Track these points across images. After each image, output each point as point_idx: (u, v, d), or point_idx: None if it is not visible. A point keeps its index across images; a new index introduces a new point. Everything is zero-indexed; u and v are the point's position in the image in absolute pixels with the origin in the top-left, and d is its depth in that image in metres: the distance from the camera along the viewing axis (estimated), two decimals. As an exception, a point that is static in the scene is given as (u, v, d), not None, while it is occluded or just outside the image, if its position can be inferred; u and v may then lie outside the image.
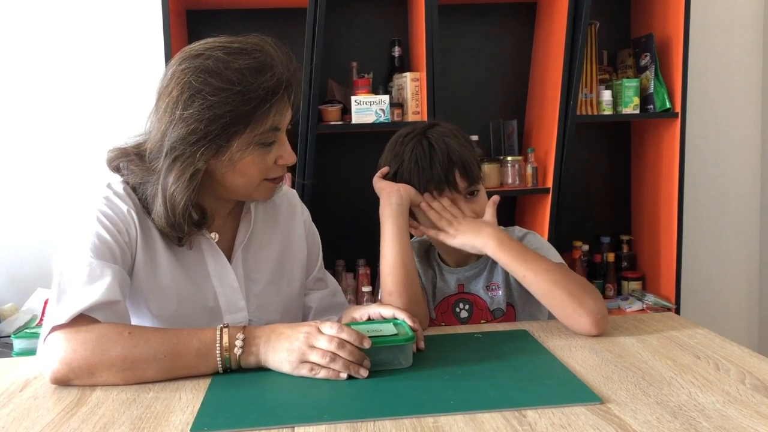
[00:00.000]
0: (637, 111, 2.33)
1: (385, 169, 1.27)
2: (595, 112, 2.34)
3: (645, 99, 2.35)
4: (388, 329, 0.99)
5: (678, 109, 2.29)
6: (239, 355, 0.95)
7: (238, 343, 0.95)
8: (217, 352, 0.94)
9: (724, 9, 2.58)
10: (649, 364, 0.95)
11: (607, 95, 2.32)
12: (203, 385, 0.92)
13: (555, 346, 1.04)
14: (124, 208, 1.06)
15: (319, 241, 1.33)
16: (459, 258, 1.31)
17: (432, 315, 1.31)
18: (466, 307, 1.31)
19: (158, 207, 1.04)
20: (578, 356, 0.99)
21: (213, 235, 1.14)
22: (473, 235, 1.18)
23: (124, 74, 2.36)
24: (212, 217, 1.11)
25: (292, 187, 2.18)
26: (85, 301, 0.95)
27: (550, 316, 1.29)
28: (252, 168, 1.06)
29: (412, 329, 1.00)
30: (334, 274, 2.36)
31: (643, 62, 2.38)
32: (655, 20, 2.39)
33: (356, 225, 2.41)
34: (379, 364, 0.94)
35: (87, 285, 0.98)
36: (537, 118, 2.43)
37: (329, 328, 0.94)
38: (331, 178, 2.44)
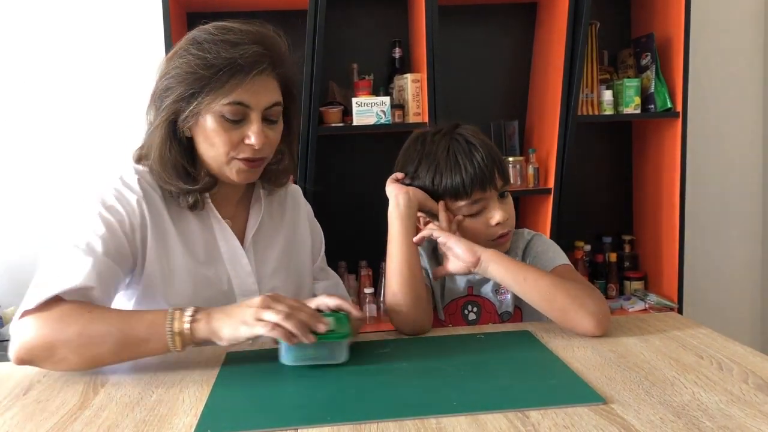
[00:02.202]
0: (638, 111, 2.33)
1: (400, 175, 1.27)
2: (596, 112, 2.34)
3: (646, 99, 2.35)
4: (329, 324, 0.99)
5: (679, 109, 2.29)
6: (189, 322, 0.96)
7: (188, 312, 0.97)
8: (168, 321, 0.96)
9: (724, 8, 2.58)
10: (652, 364, 0.95)
11: (608, 95, 2.32)
12: (206, 387, 0.92)
13: (557, 347, 1.04)
14: (133, 198, 1.10)
15: (322, 233, 1.37)
16: None
17: (441, 316, 1.31)
18: (475, 309, 1.30)
19: (153, 164, 1.11)
20: (581, 356, 0.99)
21: (227, 221, 1.19)
22: (470, 244, 1.17)
23: (125, 77, 2.36)
24: (220, 196, 1.18)
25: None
26: (56, 287, 0.98)
27: None
28: (216, 138, 1.09)
29: (351, 318, 1.02)
30: (336, 276, 2.38)
31: (643, 62, 2.38)
32: (656, 20, 2.39)
33: (358, 226, 2.41)
34: (312, 359, 0.96)
35: (63, 272, 1.01)
36: (538, 118, 2.43)
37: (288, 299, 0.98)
38: (332, 180, 2.44)
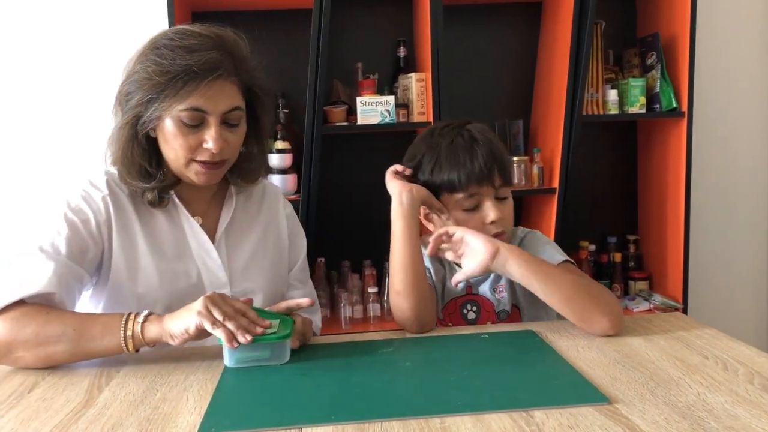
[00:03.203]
0: (644, 110, 2.32)
1: (399, 166, 1.27)
2: (601, 112, 2.33)
3: (651, 98, 2.34)
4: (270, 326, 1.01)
5: (684, 109, 2.28)
6: (141, 323, 1.00)
7: (141, 316, 1.01)
8: (122, 323, 1.00)
9: (730, 7, 2.57)
10: (657, 364, 0.95)
11: (613, 95, 2.31)
12: (210, 386, 0.92)
13: (562, 347, 1.04)
14: (98, 195, 1.15)
15: (304, 238, 1.38)
16: None
17: (439, 315, 1.30)
18: (474, 308, 1.30)
19: (119, 166, 1.15)
20: (585, 356, 0.99)
21: (197, 218, 1.21)
22: (488, 236, 1.15)
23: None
24: (190, 195, 1.21)
25: (298, 188, 2.19)
26: (17, 293, 1.02)
27: (559, 317, 1.28)
28: (175, 141, 1.11)
29: (297, 322, 1.04)
30: (340, 275, 2.38)
31: (649, 61, 2.37)
32: (661, 19, 2.38)
33: (362, 226, 2.40)
34: (254, 360, 0.98)
35: (24, 277, 1.04)
36: (543, 117, 2.42)
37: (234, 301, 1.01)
38: (336, 179, 2.44)
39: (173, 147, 1.12)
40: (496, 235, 1.21)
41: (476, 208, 1.23)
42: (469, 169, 1.20)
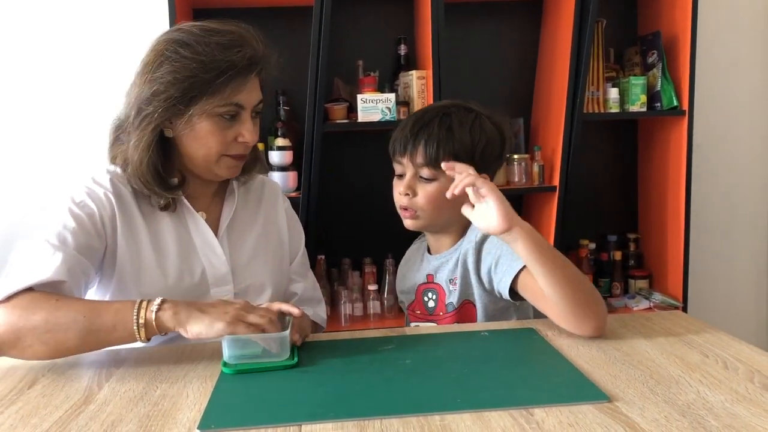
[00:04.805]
0: (644, 109, 2.32)
1: None
2: (602, 110, 2.33)
3: (652, 97, 2.34)
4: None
5: (685, 107, 2.27)
6: (154, 311, 0.97)
7: (156, 303, 0.98)
8: (134, 310, 0.97)
9: (731, 5, 2.56)
10: (657, 362, 0.95)
11: (613, 93, 2.31)
12: (210, 382, 0.92)
13: (562, 345, 1.04)
14: (101, 191, 1.15)
15: (302, 230, 1.40)
16: (439, 244, 1.35)
17: (411, 298, 1.40)
18: (434, 296, 1.34)
19: (130, 167, 1.14)
20: (585, 354, 0.99)
21: (201, 213, 1.22)
22: (511, 211, 1.05)
23: (130, 74, 2.36)
24: (194, 191, 1.21)
25: (298, 186, 2.19)
26: (27, 280, 1.00)
27: (536, 315, 1.28)
28: (210, 138, 1.12)
29: (295, 319, 1.05)
30: (340, 273, 2.38)
31: (650, 60, 2.37)
32: (663, 17, 2.38)
33: (362, 224, 2.40)
34: (252, 357, 0.98)
35: (33, 266, 1.02)
36: (543, 116, 2.42)
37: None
38: (337, 177, 2.44)
39: (206, 144, 1.12)
40: (403, 209, 1.28)
41: (400, 176, 1.29)
42: (399, 137, 1.28)
